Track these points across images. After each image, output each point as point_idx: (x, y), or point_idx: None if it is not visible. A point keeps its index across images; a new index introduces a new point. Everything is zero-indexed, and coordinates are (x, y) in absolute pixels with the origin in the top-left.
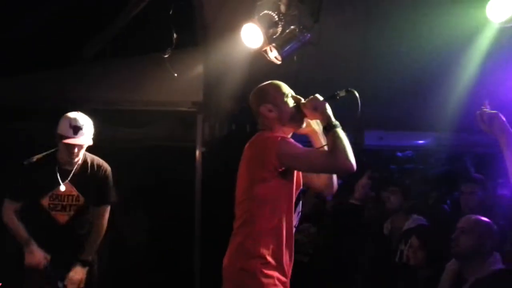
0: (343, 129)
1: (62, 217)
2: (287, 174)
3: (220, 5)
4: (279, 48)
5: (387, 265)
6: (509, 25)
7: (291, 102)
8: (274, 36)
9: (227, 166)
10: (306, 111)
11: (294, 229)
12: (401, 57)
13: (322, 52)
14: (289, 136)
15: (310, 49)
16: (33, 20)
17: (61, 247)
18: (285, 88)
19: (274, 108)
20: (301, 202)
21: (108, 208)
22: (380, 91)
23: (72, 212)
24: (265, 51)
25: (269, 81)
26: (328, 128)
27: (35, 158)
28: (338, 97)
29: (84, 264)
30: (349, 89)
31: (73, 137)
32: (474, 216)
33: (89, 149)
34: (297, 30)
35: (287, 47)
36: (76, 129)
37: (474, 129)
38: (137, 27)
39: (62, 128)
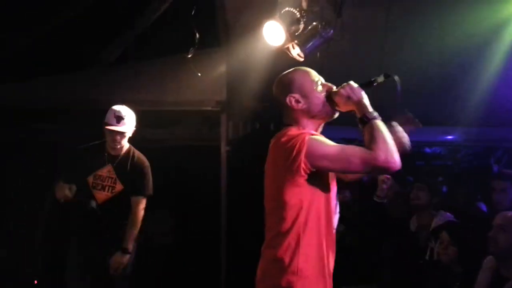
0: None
1: (101, 196)
2: (320, 175)
3: (241, 3)
4: (301, 45)
5: (414, 263)
6: None
7: (321, 91)
8: (296, 33)
9: (252, 165)
10: (338, 100)
11: (334, 232)
12: (425, 51)
13: (344, 48)
14: (320, 129)
15: (332, 45)
16: (57, 22)
17: (101, 229)
18: (314, 75)
19: (302, 98)
20: (338, 202)
21: (144, 200)
22: (404, 86)
23: (109, 194)
24: (288, 49)
25: (295, 68)
26: (366, 120)
27: (89, 144)
28: (375, 84)
29: (124, 251)
30: (387, 73)
31: (115, 125)
32: (511, 213)
33: None
34: (319, 26)
35: (310, 44)
36: (119, 118)
37: (502, 123)
38: (160, 28)
39: (108, 117)
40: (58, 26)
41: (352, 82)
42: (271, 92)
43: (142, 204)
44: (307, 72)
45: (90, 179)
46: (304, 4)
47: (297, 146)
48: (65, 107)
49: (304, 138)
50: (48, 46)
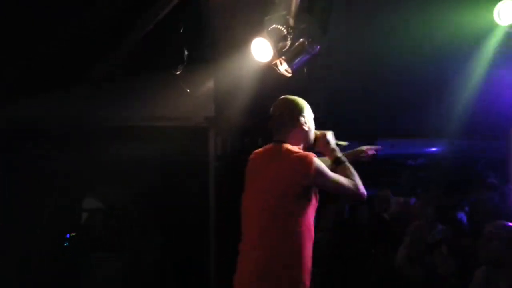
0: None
1: None
2: (314, 191)
3: (229, 21)
4: (289, 61)
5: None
6: None
7: (313, 126)
8: (284, 50)
9: (240, 181)
10: (320, 139)
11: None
12: (409, 65)
13: (331, 64)
14: None
15: (319, 61)
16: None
17: None
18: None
19: (309, 123)
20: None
21: None
22: (389, 100)
23: None
24: (275, 65)
25: (300, 98)
26: (341, 161)
27: None
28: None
29: None
30: (347, 142)
31: None
32: (500, 222)
33: (100, 168)
34: (306, 43)
35: (297, 60)
36: None
37: (485, 133)
38: (149, 45)
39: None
40: (45, 43)
41: (331, 134)
42: (260, 107)
43: None
44: (308, 107)
45: None
46: (291, 22)
47: (307, 163)
48: (52, 126)
49: (312, 158)
50: (35, 64)
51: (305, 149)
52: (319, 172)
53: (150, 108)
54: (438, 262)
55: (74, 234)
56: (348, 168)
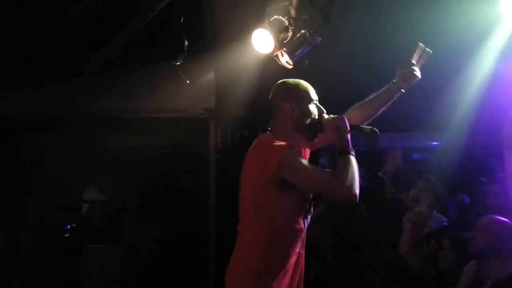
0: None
1: None
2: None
3: (230, 11)
4: (290, 53)
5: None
6: None
7: (314, 111)
8: (285, 41)
9: (240, 173)
10: (326, 126)
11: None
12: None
13: (332, 55)
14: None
15: (320, 52)
16: (43, 30)
17: None
18: (313, 94)
19: (297, 108)
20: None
21: None
22: None
23: None
24: (276, 56)
25: (299, 80)
26: (344, 152)
27: None
28: (359, 131)
29: None
30: (374, 128)
31: None
32: (491, 215)
33: (99, 160)
34: (307, 34)
35: (298, 51)
36: None
37: (488, 129)
38: (149, 36)
39: None
40: (44, 34)
41: (345, 117)
42: (261, 98)
43: None
44: (308, 88)
45: None
46: (292, 12)
47: (274, 152)
48: (50, 117)
49: (282, 149)
50: (33, 55)
51: (308, 136)
52: (284, 163)
53: (150, 100)
54: (440, 256)
55: (74, 225)
56: (347, 162)
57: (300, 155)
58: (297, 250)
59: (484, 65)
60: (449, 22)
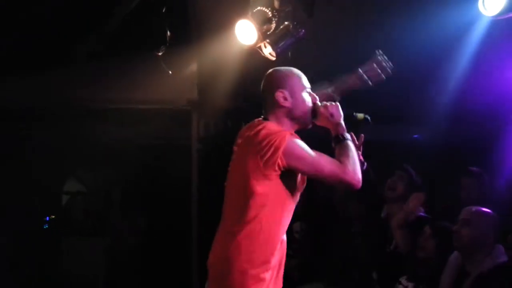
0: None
1: None
2: (292, 174)
3: (213, 2)
4: (273, 44)
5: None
6: (501, 17)
7: (307, 98)
8: (268, 32)
9: (223, 164)
10: (322, 113)
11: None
12: (393, 50)
13: (316, 47)
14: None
15: (304, 44)
16: (23, 21)
17: None
18: (306, 82)
19: (290, 97)
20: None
21: None
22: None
23: None
24: (260, 48)
25: (291, 67)
26: (341, 139)
27: None
28: (353, 118)
29: None
30: (367, 116)
31: None
32: (475, 207)
33: (81, 150)
34: (291, 26)
35: (282, 43)
36: None
37: (469, 121)
38: (130, 26)
39: None
40: (26, 23)
41: (338, 103)
42: (244, 90)
43: None
44: (300, 76)
45: None
46: (276, 4)
47: (277, 141)
48: (33, 106)
49: (284, 136)
50: (15, 44)
51: (302, 124)
52: (289, 152)
53: (132, 91)
54: (420, 242)
55: (53, 217)
56: (346, 148)
57: (302, 142)
58: (282, 237)
59: (464, 61)
60: (430, 18)
